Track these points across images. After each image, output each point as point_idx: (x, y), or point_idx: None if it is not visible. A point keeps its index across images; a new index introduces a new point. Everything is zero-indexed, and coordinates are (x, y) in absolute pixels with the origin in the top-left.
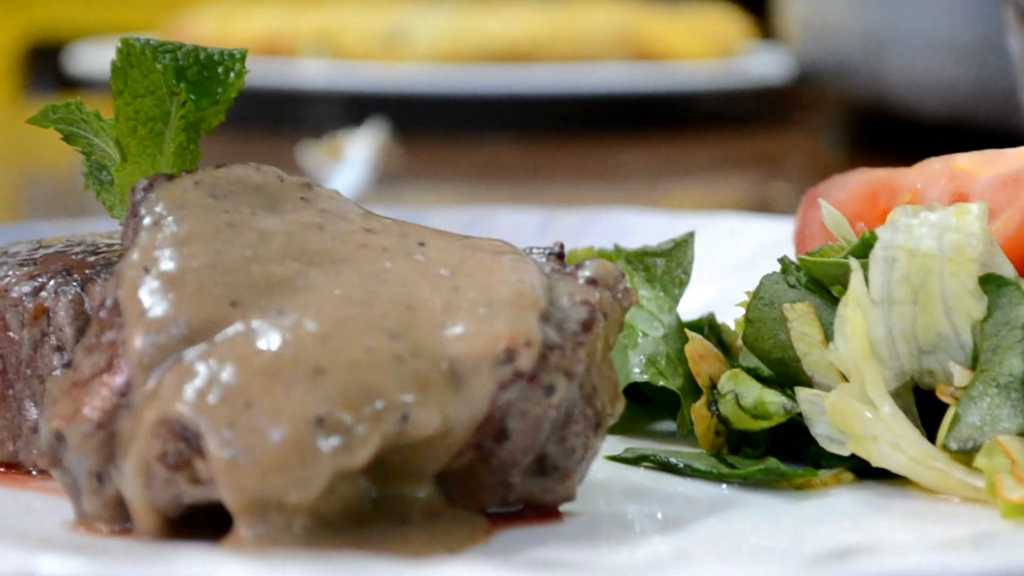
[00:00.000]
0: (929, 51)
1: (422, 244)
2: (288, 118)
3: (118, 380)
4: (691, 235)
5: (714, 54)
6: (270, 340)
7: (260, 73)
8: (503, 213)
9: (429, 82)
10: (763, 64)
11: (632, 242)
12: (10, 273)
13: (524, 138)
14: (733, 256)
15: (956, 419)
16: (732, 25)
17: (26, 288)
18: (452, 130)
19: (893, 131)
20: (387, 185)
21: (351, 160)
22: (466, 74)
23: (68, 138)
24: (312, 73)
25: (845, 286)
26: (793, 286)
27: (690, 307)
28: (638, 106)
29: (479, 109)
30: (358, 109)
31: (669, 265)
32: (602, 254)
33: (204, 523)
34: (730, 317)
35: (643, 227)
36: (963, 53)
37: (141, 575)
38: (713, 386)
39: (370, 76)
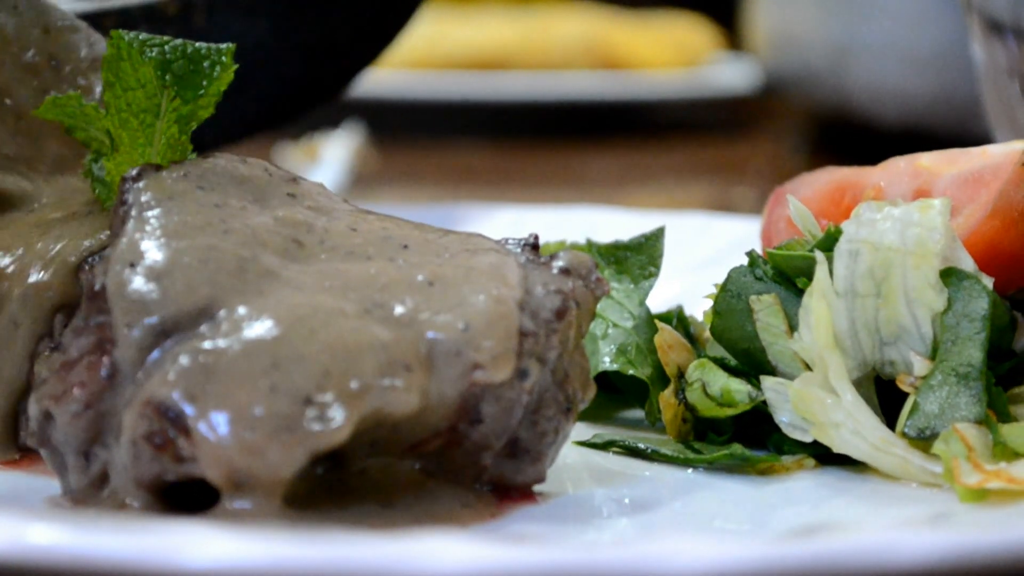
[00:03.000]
0: (891, 62)
1: (405, 247)
2: None
3: (105, 362)
4: (661, 230)
5: (681, 64)
6: (252, 326)
7: None
8: (476, 211)
9: (404, 87)
10: (729, 74)
11: (603, 238)
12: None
13: (495, 143)
14: (701, 253)
15: (915, 407)
16: (700, 35)
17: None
18: (425, 134)
19: (855, 140)
20: (362, 187)
21: (327, 162)
22: (439, 80)
23: (70, 130)
24: None
25: (810, 278)
26: (760, 279)
27: (659, 302)
28: (606, 113)
29: (451, 115)
30: (335, 112)
31: (639, 258)
32: (575, 247)
33: (194, 503)
34: (698, 311)
35: (613, 224)
36: (924, 64)
37: (125, 545)
38: (681, 375)
39: None
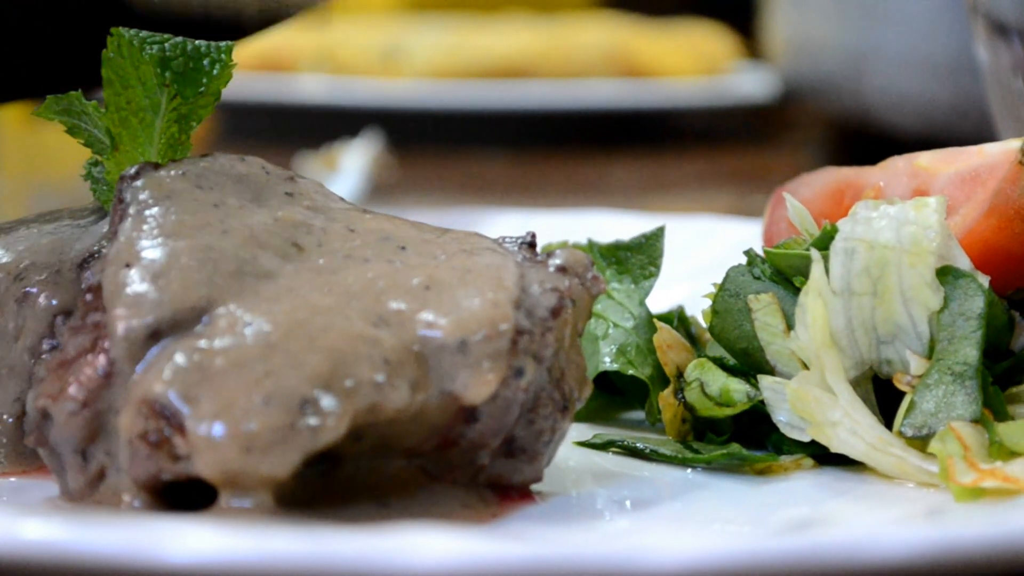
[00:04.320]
0: (908, 69)
1: (403, 248)
2: (287, 130)
3: (102, 360)
4: (661, 229)
5: (702, 72)
6: (249, 327)
7: (262, 87)
8: (483, 215)
9: (424, 97)
10: (749, 82)
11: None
12: None
13: (515, 152)
14: (707, 256)
15: (912, 406)
16: (720, 44)
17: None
18: (445, 143)
19: (873, 147)
20: (381, 196)
21: (347, 171)
22: (460, 89)
23: (71, 130)
24: (311, 87)
25: (807, 277)
26: (758, 278)
27: (664, 305)
28: (626, 122)
29: (472, 124)
30: (355, 122)
31: (639, 258)
32: (575, 247)
33: (192, 502)
34: (699, 312)
35: (621, 228)
36: (941, 71)
37: (108, 539)
38: (680, 375)
39: (367, 91)
